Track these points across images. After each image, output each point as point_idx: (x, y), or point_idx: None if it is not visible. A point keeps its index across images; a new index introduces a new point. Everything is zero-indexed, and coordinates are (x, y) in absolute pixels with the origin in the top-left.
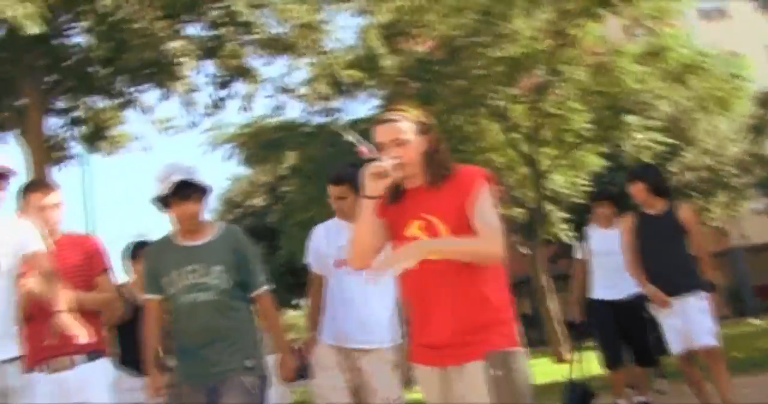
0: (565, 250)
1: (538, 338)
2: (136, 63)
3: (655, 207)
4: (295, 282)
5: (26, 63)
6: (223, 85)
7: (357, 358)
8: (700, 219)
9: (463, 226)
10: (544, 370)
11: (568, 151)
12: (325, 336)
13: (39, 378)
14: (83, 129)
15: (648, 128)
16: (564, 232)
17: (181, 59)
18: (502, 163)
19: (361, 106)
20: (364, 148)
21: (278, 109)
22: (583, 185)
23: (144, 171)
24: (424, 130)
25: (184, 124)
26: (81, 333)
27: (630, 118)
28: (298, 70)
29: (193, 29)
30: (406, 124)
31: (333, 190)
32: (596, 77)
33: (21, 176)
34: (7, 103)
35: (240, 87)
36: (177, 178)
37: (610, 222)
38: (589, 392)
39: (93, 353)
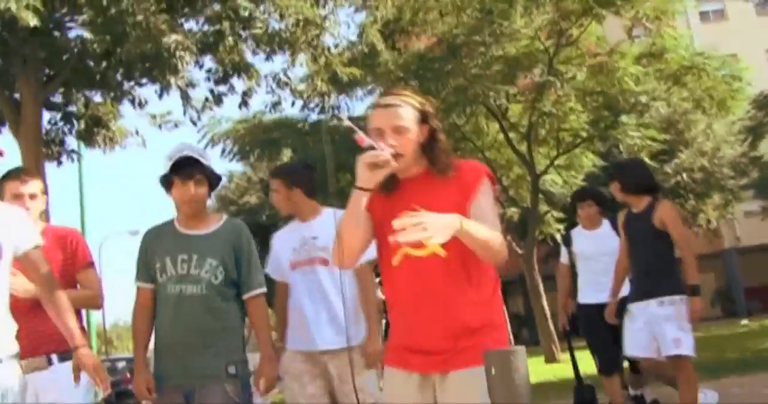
0: (559, 251)
1: (530, 337)
2: (134, 56)
3: (638, 205)
4: None
5: (23, 55)
6: (222, 80)
7: (326, 362)
8: (678, 217)
9: None
10: (535, 370)
11: (564, 150)
12: (289, 342)
13: None
14: (79, 123)
15: (644, 125)
16: (558, 232)
17: (180, 53)
18: (498, 162)
19: (360, 104)
20: (361, 137)
21: (276, 105)
22: (579, 185)
23: (141, 167)
24: (425, 117)
25: (182, 120)
26: (103, 379)
27: (627, 118)
28: (297, 66)
29: (192, 23)
30: (408, 111)
31: (269, 182)
32: (595, 77)
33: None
34: (2, 96)
35: (238, 83)
36: (184, 153)
37: (595, 222)
38: (594, 390)
39: (69, 352)
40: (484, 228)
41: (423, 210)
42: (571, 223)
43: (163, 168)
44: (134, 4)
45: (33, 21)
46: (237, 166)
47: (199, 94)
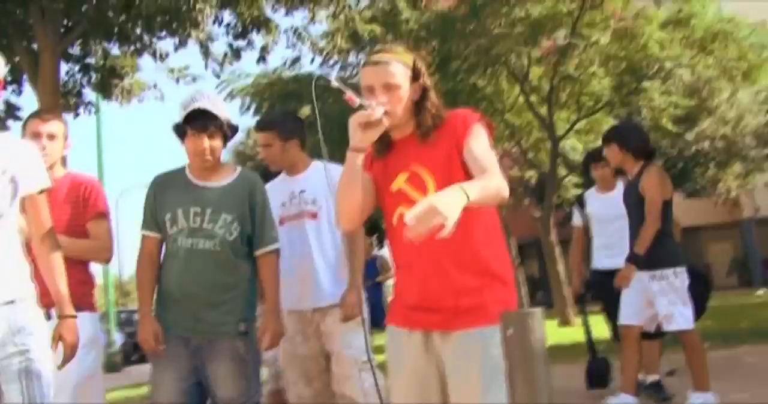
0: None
1: (545, 300)
2: (153, 9)
3: (632, 170)
4: None
5: (40, 6)
6: (241, 35)
7: (317, 321)
8: (658, 183)
9: (453, 176)
10: (549, 333)
11: (585, 115)
12: (283, 301)
13: None
14: (97, 76)
15: (667, 92)
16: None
17: (199, 6)
18: (518, 125)
19: None
20: (350, 96)
21: (295, 61)
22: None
23: (159, 121)
24: (417, 75)
25: (200, 74)
26: (69, 359)
27: (650, 84)
28: (318, 22)
29: None
30: (399, 68)
31: (259, 137)
32: (620, 42)
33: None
34: (20, 47)
35: (257, 38)
36: (197, 105)
37: (609, 185)
38: (607, 365)
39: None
40: (484, 184)
41: (423, 199)
42: (589, 188)
43: (178, 116)
44: None
45: None
46: (256, 122)
47: (218, 48)
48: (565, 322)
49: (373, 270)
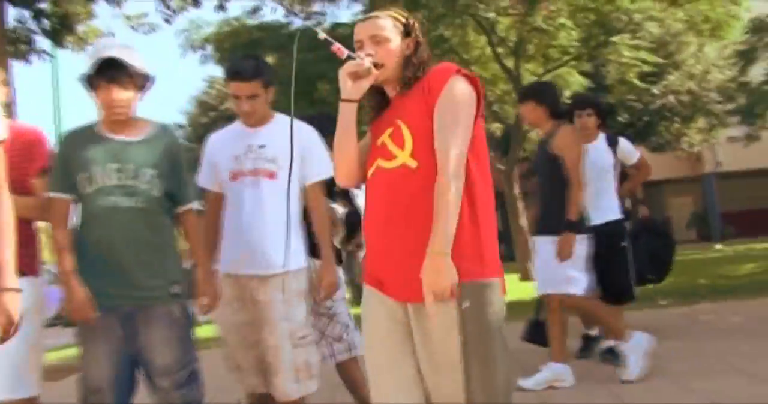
0: None
1: (507, 253)
2: None
3: (546, 129)
4: None
5: None
6: None
7: (254, 288)
8: (574, 143)
9: (428, 129)
10: (509, 287)
11: (552, 68)
12: (221, 264)
13: None
14: (49, 22)
15: (635, 47)
16: None
17: None
18: (484, 76)
19: (344, 11)
20: (338, 47)
21: (256, 10)
22: (565, 104)
23: None
24: (407, 31)
25: (158, 23)
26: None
27: (618, 38)
28: None
29: None
30: (388, 22)
31: (240, 88)
32: None
33: None
34: None
35: None
36: (106, 53)
37: (591, 135)
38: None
39: (24, 273)
40: (443, 220)
41: (399, 122)
42: None
43: (85, 67)
44: None
45: None
46: (217, 71)
47: None
48: (525, 277)
49: None
